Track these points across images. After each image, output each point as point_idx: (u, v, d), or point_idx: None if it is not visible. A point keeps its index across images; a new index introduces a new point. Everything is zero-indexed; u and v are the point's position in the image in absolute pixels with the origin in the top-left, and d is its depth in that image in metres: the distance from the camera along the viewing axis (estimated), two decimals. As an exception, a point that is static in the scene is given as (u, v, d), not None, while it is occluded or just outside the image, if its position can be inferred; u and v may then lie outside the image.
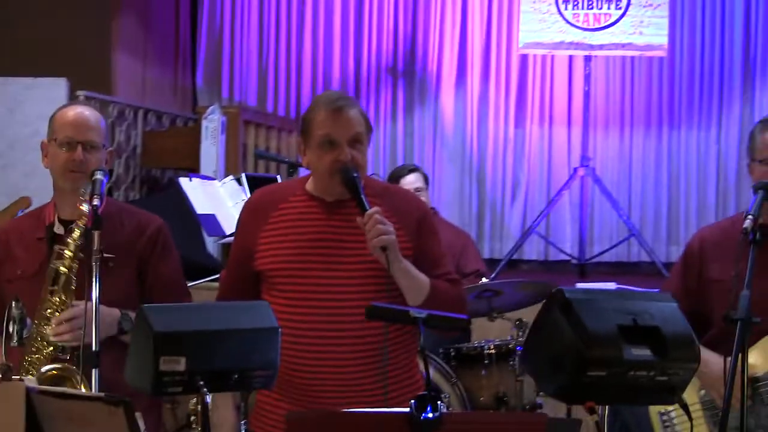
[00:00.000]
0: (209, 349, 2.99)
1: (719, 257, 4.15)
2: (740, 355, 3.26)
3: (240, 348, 3.04)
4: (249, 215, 4.05)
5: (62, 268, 3.94)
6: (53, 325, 3.95)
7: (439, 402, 2.77)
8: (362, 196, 3.76)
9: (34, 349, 4.00)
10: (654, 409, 4.11)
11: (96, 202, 3.80)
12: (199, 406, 3.14)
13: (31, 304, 3.98)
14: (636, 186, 10.94)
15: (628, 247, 10.65)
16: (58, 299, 3.98)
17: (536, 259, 10.89)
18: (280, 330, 3.14)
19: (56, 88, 8.42)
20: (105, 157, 4.23)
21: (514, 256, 10.33)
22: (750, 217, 3.61)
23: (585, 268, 10.00)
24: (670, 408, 4.07)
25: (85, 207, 3.93)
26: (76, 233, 3.97)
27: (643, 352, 2.91)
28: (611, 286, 6.83)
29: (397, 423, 2.77)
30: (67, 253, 3.96)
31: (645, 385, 2.94)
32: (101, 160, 4.18)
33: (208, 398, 2.98)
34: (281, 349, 3.70)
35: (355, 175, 3.78)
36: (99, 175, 3.94)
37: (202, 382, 2.97)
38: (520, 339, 5.85)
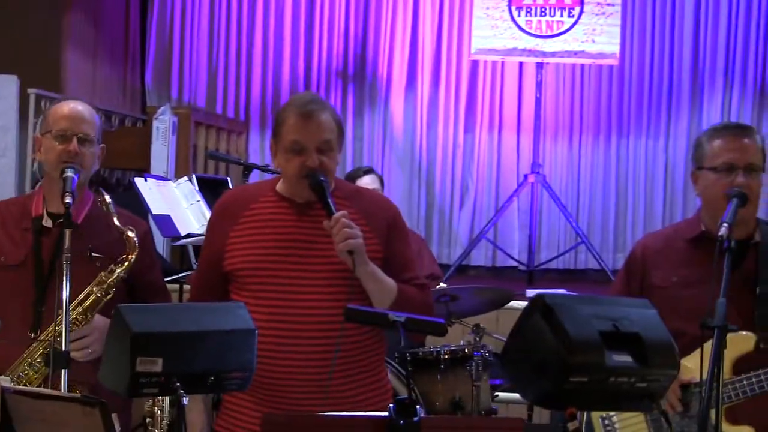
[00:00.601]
0: (186, 350, 2.96)
1: (661, 264, 4.21)
2: (720, 364, 3.27)
3: (217, 349, 3.01)
4: (219, 215, 4.03)
5: (96, 291, 3.98)
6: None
7: (417, 407, 2.75)
8: (329, 200, 3.75)
9: (41, 357, 3.99)
10: (595, 413, 4.12)
11: (68, 200, 3.78)
12: (158, 408, 3.12)
13: (13, 294, 4.04)
14: (584, 193, 11.00)
15: (576, 255, 10.72)
16: (80, 317, 3.98)
17: (484, 264, 10.91)
18: (256, 332, 3.11)
19: (7, 85, 8.34)
20: (98, 153, 4.26)
21: (462, 262, 10.34)
22: (725, 224, 3.63)
23: (533, 275, 10.04)
24: (612, 413, 4.08)
25: (132, 235, 3.98)
26: (123, 266, 4.01)
27: (624, 359, 2.90)
28: (561, 293, 6.85)
29: (376, 427, 2.74)
30: (110, 280, 3.99)
31: (625, 391, 2.92)
32: (95, 155, 4.22)
33: (185, 400, 2.95)
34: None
35: (323, 179, 3.76)
36: (69, 173, 3.94)
37: (178, 384, 2.94)
38: (477, 344, 5.85)
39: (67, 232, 3.71)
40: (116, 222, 3.93)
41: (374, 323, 3.19)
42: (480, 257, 10.86)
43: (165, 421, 4.15)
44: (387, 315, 3.11)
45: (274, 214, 3.90)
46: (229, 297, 3.92)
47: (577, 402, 2.92)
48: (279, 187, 3.95)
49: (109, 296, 3.97)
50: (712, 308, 3.38)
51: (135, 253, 3.99)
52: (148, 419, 4.19)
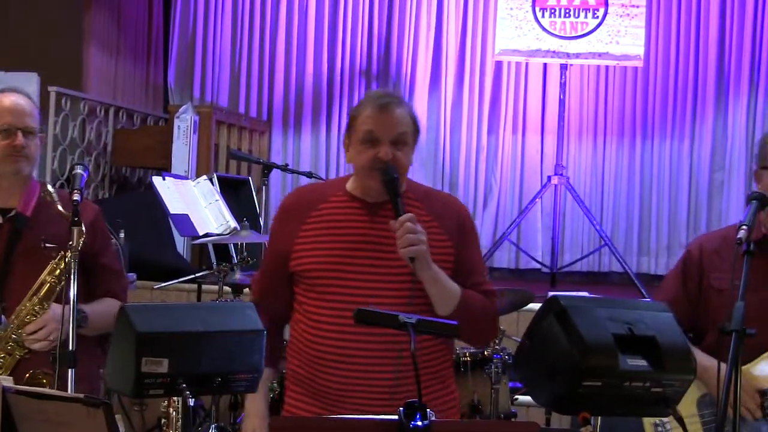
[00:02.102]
0: (193, 351, 2.93)
1: (720, 266, 4.10)
2: (735, 367, 3.20)
3: (224, 351, 2.97)
4: (286, 215, 3.98)
5: (50, 280, 3.99)
6: (27, 332, 3.97)
7: (428, 410, 2.69)
8: (398, 199, 3.69)
9: (3, 350, 4.01)
10: (648, 420, 4.05)
11: (76, 197, 3.76)
12: (174, 409, 3.08)
13: None
14: (608, 196, 10.93)
15: (599, 257, 10.64)
16: (37, 306, 3.99)
17: (507, 266, 10.84)
18: (264, 333, 3.07)
19: (27, 82, 8.31)
20: (40, 141, 4.27)
21: (485, 264, 10.26)
22: (744, 227, 3.55)
23: (556, 277, 9.95)
24: (665, 419, 4.01)
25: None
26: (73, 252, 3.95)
27: (638, 363, 2.85)
28: (584, 295, 6.78)
29: (385, 430, 2.69)
30: (63, 268, 3.96)
31: (640, 396, 2.87)
32: (38, 145, 4.23)
33: (191, 401, 2.91)
34: (314, 350, 3.72)
35: (395, 176, 3.70)
36: (79, 170, 3.94)
37: (184, 385, 2.89)
38: (496, 347, 5.79)
39: (75, 229, 3.70)
40: (60, 209, 3.87)
41: (385, 325, 3.12)
42: (503, 259, 10.80)
43: (180, 423, 4.12)
44: (397, 316, 3.05)
45: (345, 214, 3.84)
46: (294, 299, 3.90)
47: (590, 406, 2.85)
48: (349, 186, 3.89)
49: (63, 283, 3.91)
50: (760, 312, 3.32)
51: (83, 238, 3.91)
52: (163, 420, 4.17)
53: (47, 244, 3.99)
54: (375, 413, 3.45)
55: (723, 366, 3.67)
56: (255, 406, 3.94)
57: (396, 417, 2.69)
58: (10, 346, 4.00)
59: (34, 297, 4.00)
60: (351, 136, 3.81)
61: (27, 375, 3.92)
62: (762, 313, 3.57)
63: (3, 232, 4.14)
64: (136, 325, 2.85)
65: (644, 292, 8.79)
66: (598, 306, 2.95)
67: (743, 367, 3.78)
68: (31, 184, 4.21)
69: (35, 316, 3.98)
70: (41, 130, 4.26)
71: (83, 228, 3.88)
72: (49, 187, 3.99)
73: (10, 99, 4.19)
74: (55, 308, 3.88)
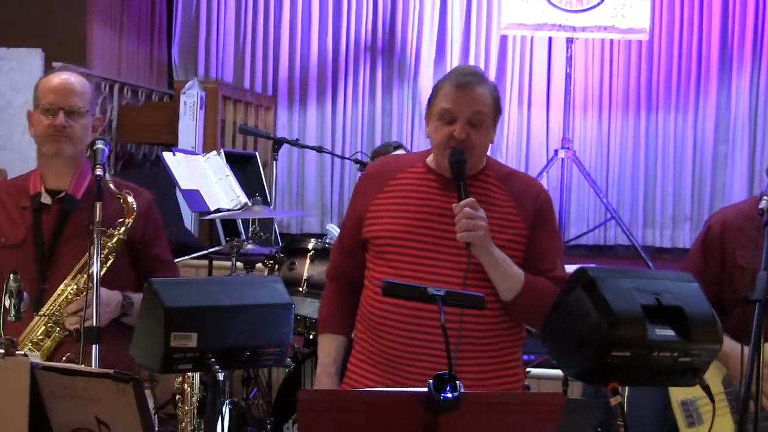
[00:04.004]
0: (221, 325, 2.93)
1: (744, 243, 4.04)
2: (760, 338, 3.19)
3: (252, 325, 2.98)
4: (365, 183, 4.00)
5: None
6: (67, 314, 3.94)
7: (457, 382, 2.69)
8: (462, 183, 3.68)
9: (43, 333, 4.00)
10: (675, 399, 4.04)
11: (99, 172, 3.74)
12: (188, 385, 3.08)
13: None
14: (613, 169, 10.92)
15: (605, 230, 10.64)
16: (75, 287, 3.96)
17: (514, 240, 10.82)
18: (293, 306, 3.07)
19: (31, 59, 8.32)
20: (91, 123, 4.19)
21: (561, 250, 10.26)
22: (766, 198, 3.54)
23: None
24: (692, 396, 4.00)
25: (131, 200, 3.94)
26: (122, 229, 3.97)
27: (666, 333, 2.85)
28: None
29: (414, 403, 2.69)
30: (110, 245, 3.96)
31: (668, 366, 2.88)
32: (86, 126, 4.16)
33: (220, 376, 2.91)
34: (377, 318, 3.75)
35: (463, 159, 3.69)
36: (100, 144, 3.91)
37: (213, 359, 2.90)
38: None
39: (98, 204, 3.67)
40: (113, 188, 3.86)
41: (413, 298, 3.13)
42: (509, 233, 10.78)
43: (195, 398, 4.13)
44: (426, 289, 3.05)
45: (419, 186, 3.85)
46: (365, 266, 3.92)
47: (620, 377, 2.85)
48: (429, 159, 3.89)
49: (110, 262, 3.92)
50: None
51: (133, 217, 3.94)
52: (177, 396, 4.18)
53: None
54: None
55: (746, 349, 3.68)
56: (324, 378, 3.95)
57: (425, 389, 2.70)
58: (50, 327, 3.99)
59: (78, 275, 3.98)
60: (430, 110, 3.82)
61: (64, 358, 3.89)
62: None
63: (52, 214, 4.13)
64: (165, 300, 2.86)
65: (651, 265, 8.80)
66: (625, 277, 2.95)
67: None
68: (84, 165, 4.17)
69: (78, 297, 3.95)
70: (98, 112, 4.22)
71: (135, 210, 3.91)
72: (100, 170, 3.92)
73: (58, 78, 4.17)
74: (101, 291, 3.80)
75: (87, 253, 3.90)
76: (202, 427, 4.18)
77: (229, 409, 5.72)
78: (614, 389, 2.85)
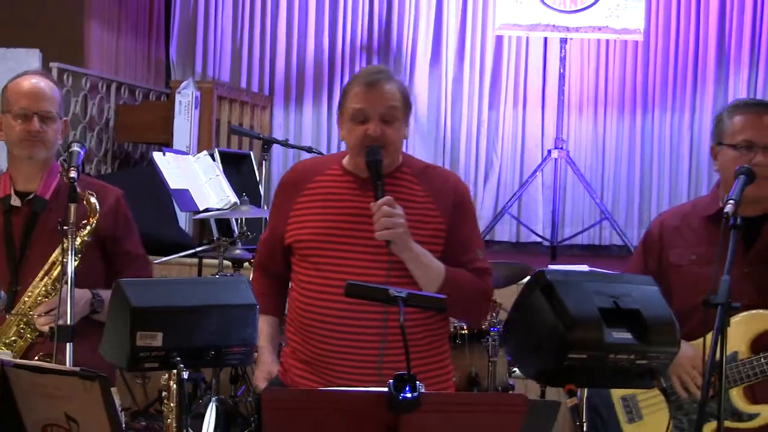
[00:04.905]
0: (186, 325, 2.98)
1: (678, 242, 4.15)
2: (719, 341, 3.23)
3: (217, 324, 3.02)
4: (284, 187, 4.05)
5: (61, 260, 3.88)
6: (37, 314, 3.97)
7: (417, 382, 2.74)
8: (379, 182, 3.75)
9: (15, 333, 4.03)
10: (616, 394, 4.10)
11: (73, 174, 3.77)
12: (174, 382, 3.13)
13: None
14: (609, 169, 10.95)
15: (600, 230, 10.67)
16: (50, 287, 4.00)
17: (508, 240, 10.88)
18: (257, 307, 3.12)
19: (29, 59, 8.34)
20: (60, 127, 4.23)
21: (486, 237, 10.30)
22: (731, 201, 3.58)
23: (557, 250, 9.99)
24: (631, 393, 4.06)
25: (93, 200, 3.96)
26: (86, 231, 3.99)
27: (623, 336, 2.89)
28: (584, 268, 6.81)
29: (375, 402, 2.74)
30: (75, 246, 3.94)
31: (626, 368, 2.92)
32: (57, 130, 4.20)
33: (185, 374, 2.97)
34: (305, 319, 3.81)
35: (379, 158, 3.75)
36: (76, 147, 3.93)
37: (178, 358, 2.95)
38: (493, 320, 5.83)
39: (72, 206, 3.68)
40: (79, 191, 3.84)
41: (375, 298, 3.17)
42: (504, 232, 10.84)
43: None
44: (387, 290, 3.09)
45: (337, 188, 3.91)
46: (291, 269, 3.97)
47: (576, 379, 2.90)
48: (345, 160, 3.95)
49: (76, 263, 3.92)
50: (716, 286, 3.35)
51: (95, 217, 3.96)
52: (164, 393, 4.22)
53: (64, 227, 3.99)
54: (363, 384, 3.54)
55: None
56: (266, 355, 4.01)
57: (386, 389, 2.74)
58: (22, 328, 4.03)
59: (46, 278, 4.02)
60: (342, 113, 3.88)
61: (36, 357, 3.93)
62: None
63: (21, 216, 4.17)
64: (131, 299, 2.91)
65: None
66: (584, 280, 2.99)
67: (694, 342, 3.85)
68: (52, 167, 4.21)
69: (47, 297, 3.99)
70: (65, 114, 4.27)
71: (97, 210, 3.94)
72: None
73: (29, 82, 4.20)
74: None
75: (53, 254, 3.97)
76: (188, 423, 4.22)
77: (216, 407, 5.76)
78: (571, 391, 2.90)
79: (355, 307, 3.67)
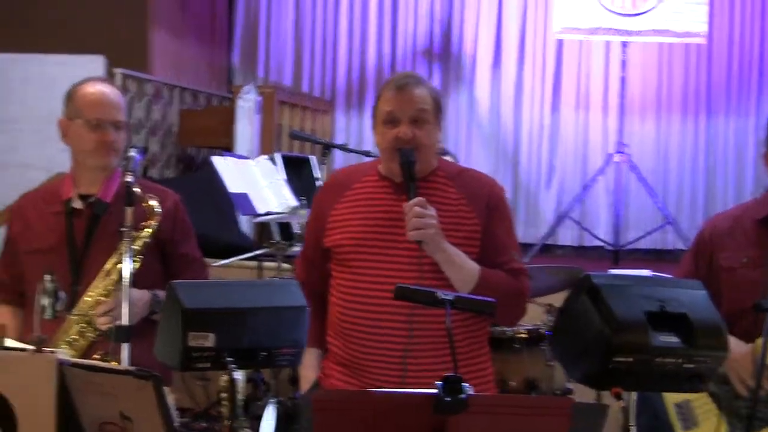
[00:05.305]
0: (238, 326, 3.02)
1: (729, 245, 4.13)
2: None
3: (268, 326, 3.06)
4: (323, 194, 4.15)
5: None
6: (99, 314, 4.05)
7: (465, 384, 2.76)
8: (412, 183, 3.80)
9: (76, 332, 4.10)
10: (670, 401, 4.09)
11: (130, 178, 3.83)
12: (226, 382, 3.18)
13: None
14: (672, 173, 10.88)
15: (664, 235, 10.60)
16: (110, 288, 4.06)
17: (570, 244, 10.85)
18: (308, 309, 3.16)
19: (93, 65, 8.42)
20: (127, 134, 4.31)
21: (548, 242, 10.31)
22: None
23: (619, 255, 9.95)
24: (685, 399, 4.05)
25: (154, 203, 4.03)
26: (147, 232, 4.06)
27: (670, 339, 2.90)
28: (646, 273, 6.80)
29: (422, 404, 2.75)
30: (134, 247, 3.98)
31: (672, 372, 2.92)
32: (125, 138, 4.27)
33: (236, 375, 3.01)
34: (342, 322, 3.86)
35: (412, 160, 3.80)
36: (133, 152, 3.98)
37: (229, 358, 3.00)
38: (551, 324, 5.82)
39: (128, 209, 3.74)
40: (138, 192, 3.90)
41: (423, 301, 3.21)
42: (566, 237, 10.81)
43: (240, 396, 4.23)
44: (435, 293, 3.13)
45: (374, 193, 3.98)
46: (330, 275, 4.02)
47: (622, 382, 2.91)
48: (380, 166, 4.01)
49: (136, 264, 3.97)
50: (766, 289, 3.34)
51: (156, 219, 4.04)
52: (222, 394, 4.28)
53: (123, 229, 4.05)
54: (388, 386, 3.62)
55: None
56: (309, 355, 4.05)
57: (434, 390, 2.77)
58: (83, 327, 4.10)
59: (107, 278, 4.08)
60: (375, 118, 3.96)
61: (96, 356, 3.97)
62: None
63: (83, 218, 4.24)
64: (183, 301, 2.96)
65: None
66: (630, 284, 3.00)
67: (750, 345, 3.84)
68: (114, 171, 4.28)
69: (107, 298, 4.06)
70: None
71: (159, 213, 4.01)
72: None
73: (99, 90, 4.27)
74: (130, 291, 3.80)
75: (113, 256, 4.03)
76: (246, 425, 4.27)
77: (275, 408, 5.81)
78: (617, 394, 2.91)
79: (384, 309, 3.76)
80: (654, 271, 7.03)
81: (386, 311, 3.80)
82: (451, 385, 2.74)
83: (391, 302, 3.59)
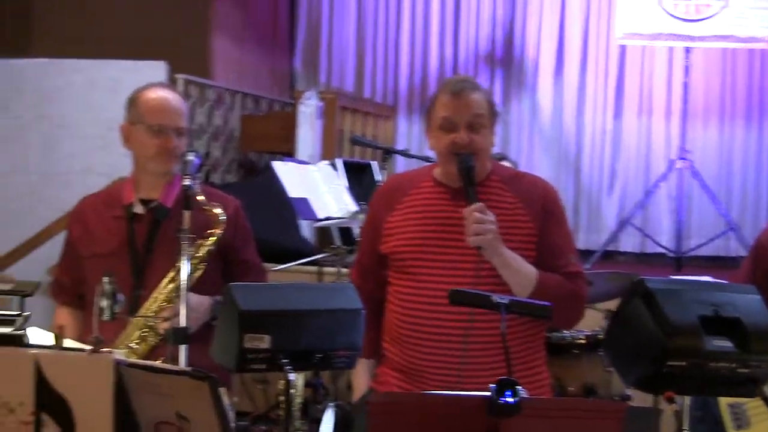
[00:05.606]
0: (293, 328, 3.05)
1: None
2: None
3: (323, 328, 3.10)
4: (379, 201, 4.16)
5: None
6: (161, 320, 4.09)
7: (519, 387, 2.77)
8: (471, 188, 3.81)
9: (138, 337, 4.16)
10: (723, 401, 4.08)
11: (187, 182, 3.87)
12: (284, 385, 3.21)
13: None
14: (735, 179, 10.79)
15: (726, 242, 10.51)
16: (173, 293, 4.07)
17: (632, 251, 10.78)
18: (362, 312, 3.18)
19: (156, 71, 8.50)
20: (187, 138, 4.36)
21: (610, 248, 10.27)
22: None
23: (681, 262, 9.91)
24: (739, 400, 4.05)
25: (219, 211, 4.06)
26: (210, 240, 4.11)
27: (724, 344, 2.91)
28: (706, 279, 6.77)
29: (477, 407, 2.77)
30: (198, 255, 4.09)
31: (726, 376, 2.93)
32: (186, 144, 4.31)
33: (292, 376, 3.05)
34: (399, 328, 3.88)
35: (471, 165, 3.82)
36: (191, 156, 4.02)
37: (285, 360, 3.03)
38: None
39: (186, 213, 3.78)
40: (201, 200, 3.93)
41: (479, 305, 3.23)
42: (628, 243, 10.75)
43: (299, 399, 4.27)
44: (490, 297, 3.15)
45: (431, 199, 3.99)
46: (387, 282, 4.04)
47: (676, 386, 2.92)
48: (436, 172, 4.04)
49: (199, 271, 4.05)
50: None
51: (220, 227, 4.07)
52: (281, 398, 4.31)
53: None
54: (445, 391, 3.61)
55: None
56: (361, 365, 4.10)
57: (488, 393, 2.78)
58: (145, 332, 4.15)
59: (170, 284, 4.12)
60: (429, 123, 3.96)
61: (160, 360, 4.01)
62: None
63: (144, 223, 4.29)
64: (240, 302, 3.00)
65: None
66: (685, 288, 3.02)
67: None
68: (175, 176, 4.29)
69: (170, 303, 4.09)
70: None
71: (224, 222, 4.05)
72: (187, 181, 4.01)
73: (162, 96, 4.31)
74: (191, 296, 3.86)
75: (178, 261, 4.08)
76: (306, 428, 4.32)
77: (333, 412, 5.84)
78: (670, 398, 2.91)
79: (442, 315, 3.77)
80: (715, 278, 6.99)
81: (444, 317, 3.81)
82: (505, 388, 2.76)
83: (449, 307, 3.61)
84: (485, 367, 3.81)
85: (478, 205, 3.77)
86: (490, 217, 3.77)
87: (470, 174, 3.82)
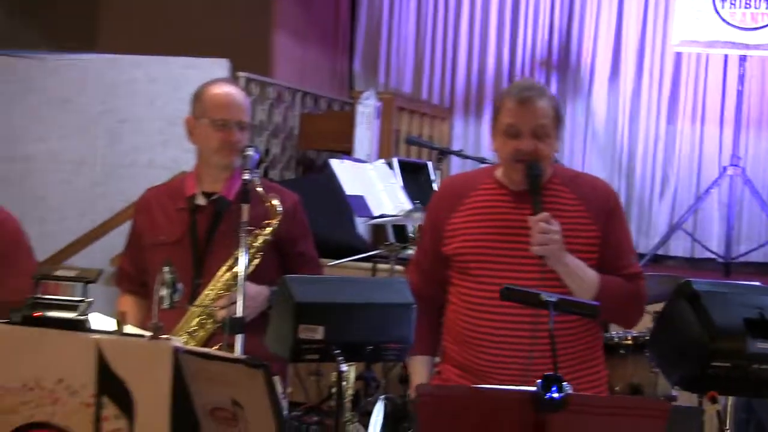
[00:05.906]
0: (346, 320, 3.14)
1: None
2: None
3: (375, 321, 3.18)
4: (440, 201, 4.19)
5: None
6: (218, 308, 4.19)
7: (565, 383, 2.83)
8: (537, 197, 3.85)
9: (197, 324, 4.26)
10: None
11: (246, 176, 3.96)
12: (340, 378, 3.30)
13: None
14: (787, 188, 10.75)
15: (779, 249, 10.48)
16: (231, 281, 4.18)
17: (682, 255, 10.75)
18: (414, 306, 3.26)
19: (217, 68, 8.58)
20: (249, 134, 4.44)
21: (660, 252, 10.26)
22: None
23: (730, 267, 9.88)
24: None
25: (276, 202, 4.15)
26: (267, 230, 4.20)
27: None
28: (755, 284, 6.77)
29: (523, 401, 2.84)
30: (256, 244, 4.18)
31: (770, 378, 2.98)
32: (248, 138, 4.40)
33: (344, 367, 3.13)
34: (463, 329, 3.92)
35: (539, 174, 3.87)
36: (250, 152, 4.11)
37: (337, 351, 3.11)
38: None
39: (245, 206, 3.88)
40: (260, 192, 4.03)
41: (527, 302, 3.29)
42: (678, 248, 10.71)
43: (350, 392, 4.36)
44: (539, 295, 3.21)
45: (492, 201, 4.03)
46: (448, 280, 4.08)
47: (719, 386, 2.97)
48: (497, 173, 4.08)
49: (257, 260, 4.14)
50: None
51: (278, 218, 4.16)
52: (333, 389, 4.40)
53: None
54: None
55: None
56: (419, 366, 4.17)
57: (534, 388, 2.85)
58: (203, 319, 4.26)
59: (228, 273, 4.22)
60: (495, 126, 3.99)
61: (216, 347, 4.09)
62: None
63: (206, 214, 4.40)
64: (295, 294, 3.09)
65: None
66: (730, 291, 3.06)
67: None
68: (236, 170, 4.37)
69: (228, 291, 4.19)
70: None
71: (281, 212, 4.13)
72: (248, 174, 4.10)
73: (224, 91, 4.42)
74: (248, 285, 3.96)
75: (236, 252, 4.17)
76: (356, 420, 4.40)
77: (384, 405, 5.91)
78: (713, 398, 2.97)
79: (503, 317, 3.84)
80: (764, 284, 6.99)
81: (511, 320, 3.86)
82: (551, 384, 2.82)
83: (515, 311, 3.71)
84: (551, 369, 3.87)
85: (544, 215, 3.82)
86: (555, 227, 3.81)
87: (537, 182, 3.87)
